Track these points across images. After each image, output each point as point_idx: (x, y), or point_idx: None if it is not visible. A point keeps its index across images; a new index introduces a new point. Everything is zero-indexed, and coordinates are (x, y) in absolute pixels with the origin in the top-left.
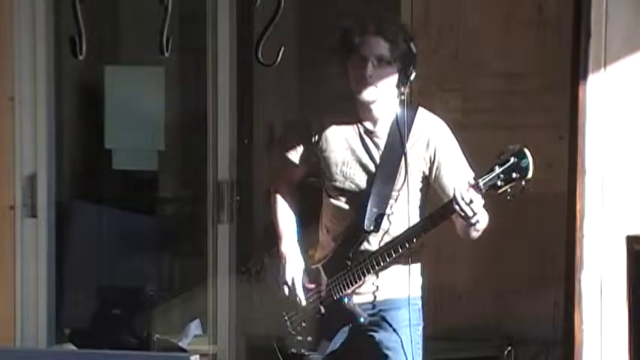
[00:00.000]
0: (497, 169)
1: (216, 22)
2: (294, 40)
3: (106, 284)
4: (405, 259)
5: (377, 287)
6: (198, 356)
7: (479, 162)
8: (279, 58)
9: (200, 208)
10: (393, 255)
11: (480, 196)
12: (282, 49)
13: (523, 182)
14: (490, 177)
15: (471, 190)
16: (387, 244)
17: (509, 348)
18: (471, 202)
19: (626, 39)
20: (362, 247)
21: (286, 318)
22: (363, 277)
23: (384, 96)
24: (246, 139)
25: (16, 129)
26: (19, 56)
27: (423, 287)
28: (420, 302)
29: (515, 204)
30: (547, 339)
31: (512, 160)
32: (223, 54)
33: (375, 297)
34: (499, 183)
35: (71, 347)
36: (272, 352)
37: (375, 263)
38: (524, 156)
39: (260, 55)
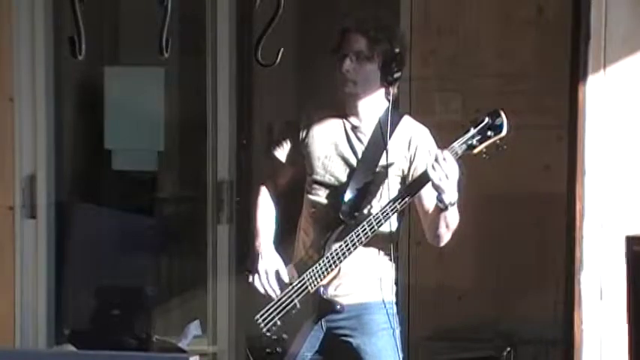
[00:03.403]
0: (473, 130)
1: (216, 23)
2: (293, 40)
3: (106, 285)
4: (380, 259)
5: (351, 291)
6: (197, 357)
7: (477, 161)
8: (278, 59)
9: (200, 209)
10: (370, 234)
11: (454, 161)
12: (282, 49)
13: (498, 141)
14: (466, 138)
15: (447, 154)
16: (358, 227)
17: (509, 348)
18: (448, 167)
19: (625, 40)
20: (338, 237)
21: (259, 320)
22: (338, 263)
23: (365, 92)
24: (245, 139)
25: (16, 130)
26: (18, 57)
27: (397, 293)
28: (394, 307)
29: (515, 204)
30: (547, 339)
31: (486, 119)
32: (223, 55)
33: (349, 301)
34: (474, 143)
35: (71, 348)
36: (274, 353)
37: (350, 247)
38: (499, 115)
39: (259, 56)
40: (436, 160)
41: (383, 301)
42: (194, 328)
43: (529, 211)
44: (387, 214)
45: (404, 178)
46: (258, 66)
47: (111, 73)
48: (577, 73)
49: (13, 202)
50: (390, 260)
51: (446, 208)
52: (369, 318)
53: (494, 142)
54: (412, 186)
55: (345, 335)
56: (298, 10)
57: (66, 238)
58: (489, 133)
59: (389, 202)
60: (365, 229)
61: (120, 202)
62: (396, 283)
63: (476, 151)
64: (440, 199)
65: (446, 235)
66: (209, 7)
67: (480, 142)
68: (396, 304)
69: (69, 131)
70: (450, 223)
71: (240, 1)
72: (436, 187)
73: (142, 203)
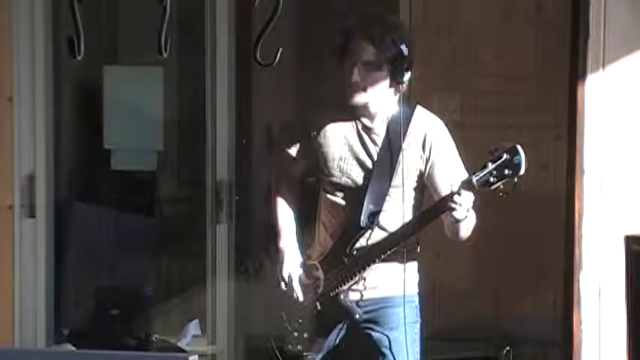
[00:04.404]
0: (490, 166)
1: (215, 23)
2: (292, 40)
3: (105, 284)
4: (401, 257)
5: (374, 285)
6: (197, 356)
7: (477, 162)
8: (277, 59)
9: (199, 208)
10: (388, 252)
11: (472, 193)
12: (280, 49)
13: (515, 179)
14: (483, 173)
15: (464, 193)
16: (382, 240)
17: (508, 348)
18: (465, 200)
19: (624, 39)
20: (358, 244)
21: (283, 315)
22: (358, 274)
23: (374, 98)
24: (244, 138)
25: (15, 129)
26: (17, 56)
27: (419, 284)
28: (417, 299)
29: (514, 204)
30: (546, 339)
31: (504, 156)
32: (222, 54)
33: (372, 295)
34: (492, 179)
35: (70, 347)
36: (270, 351)
37: (370, 260)
38: (517, 152)
39: (258, 56)
40: (454, 200)
41: (405, 294)
42: (193, 327)
43: (528, 211)
44: (407, 236)
45: (421, 176)
46: (258, 66)
47: (110, 73)
48: (576, 72)
49: (12, 202)
50: (413, 253)
51: (461, 220)
52: (391, 311)
53: (512, 179)
54: (430, 213)
55: (367, 328)
56: (297, 9)
57: (65, 237)
58: (507, 171)
59: (409, 222)
60: (384, 247)
61: (119, 201)
62: (419, 271)
63: (492, 187)
64: (453, 216)
65: (467, 234)
66: (208, 7)
67: (497, 179)
68: (419, 294)
69: (68, 131)
70: (469, 224)
71: (239, 1)
72: (455, 219)
73: (141, 203)
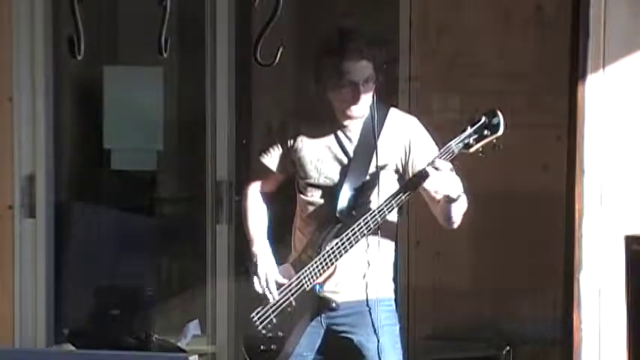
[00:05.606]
0: (470, 129)
1: (215, 23)
2: (292, 40)
3: (105, 284)
4: (379, 264)
5: (351, 289)
6: (197, 356)
7: (476, 161)
8: (277, 59)
9: (199, 209)
10: (365, 232)
11: (447, 163)
12: (281, 49)
13: (494, 140)
14: (463, 137)
15: (438, 162)
16: (354, 225)
17: (508, 348)
18: (442, 166)
19: (624, 39)
20: (334, 237)
21: (255, 317)
22: (334, 262)
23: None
24: (244, 139)
25: (15, 129)
26: (17, 56)
27: (395, 291)
28: (393, 304)
29: (514, 204)
30: (546, 339)
31: (483, 119)
32: (222, 54)
33: (349, 298)
34: (471, 142)
35: (70, 347)
36: (270, 351)
37: (346, 245)
38: (496, 114)
39: (258, 56)
40: (426, 173)
41: (383, 297)
42: (193, 327)
43: (528, 211)
44: (384, 212)
45: (398, 172)
46: (258, 65)
47: (110, 73)
48: (576, 72)
49: (12, 202)
50: (389, 257)
51: (455, 200)
52: (369, 315)
53: (491, 141)
54: (408, 185)
55: (346, 332)
56: (297, 9)
57: (65, 237)
58: (486, 132)
59: (384, 201)
60: (361, 227)
61: (119, 201)
62: (394, 281)
63: (472, 149)
64: (446, 196)
65: (459, 219)
66: (208, 7)
67: (477, 141)
68: (395, 300)
69: (68, 131)
70: (460, 208)
71: (239, 1)
72: (436, 192)
73: (141, 203)
